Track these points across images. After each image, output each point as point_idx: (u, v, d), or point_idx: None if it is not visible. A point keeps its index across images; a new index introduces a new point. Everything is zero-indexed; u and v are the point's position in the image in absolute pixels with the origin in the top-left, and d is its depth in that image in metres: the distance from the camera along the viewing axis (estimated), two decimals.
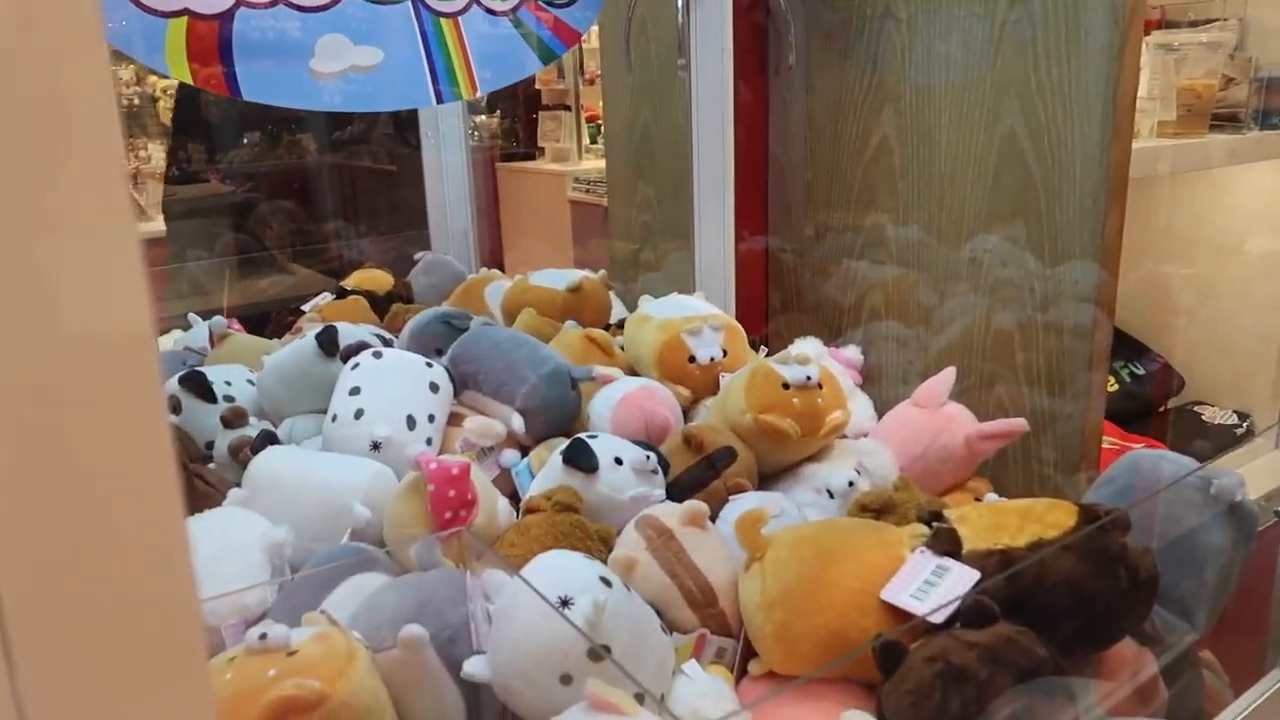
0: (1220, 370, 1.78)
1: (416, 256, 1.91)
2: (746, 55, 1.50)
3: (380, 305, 1.70)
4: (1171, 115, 1.38)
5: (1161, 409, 1.81)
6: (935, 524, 0.81)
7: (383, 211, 2.51)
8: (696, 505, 0.87)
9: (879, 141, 1.41)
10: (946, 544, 0.77)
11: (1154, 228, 1.79)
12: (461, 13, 1.14)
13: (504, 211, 4.35)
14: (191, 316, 1.53)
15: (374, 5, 1.07)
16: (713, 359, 1.18)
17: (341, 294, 1.69)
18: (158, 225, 2.59)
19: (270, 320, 1.73)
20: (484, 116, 5.00)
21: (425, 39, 1.12)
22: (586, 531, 0.89)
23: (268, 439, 0.99)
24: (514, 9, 1.19)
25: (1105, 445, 1.31)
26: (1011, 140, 1.25)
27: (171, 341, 1.54)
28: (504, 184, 4.50)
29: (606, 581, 0.72)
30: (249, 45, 1.00)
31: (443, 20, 1.13)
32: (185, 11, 0.97)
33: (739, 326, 1.23)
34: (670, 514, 0.87)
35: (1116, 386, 1.71)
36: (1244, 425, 1.73)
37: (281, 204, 2.36)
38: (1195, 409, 1.78)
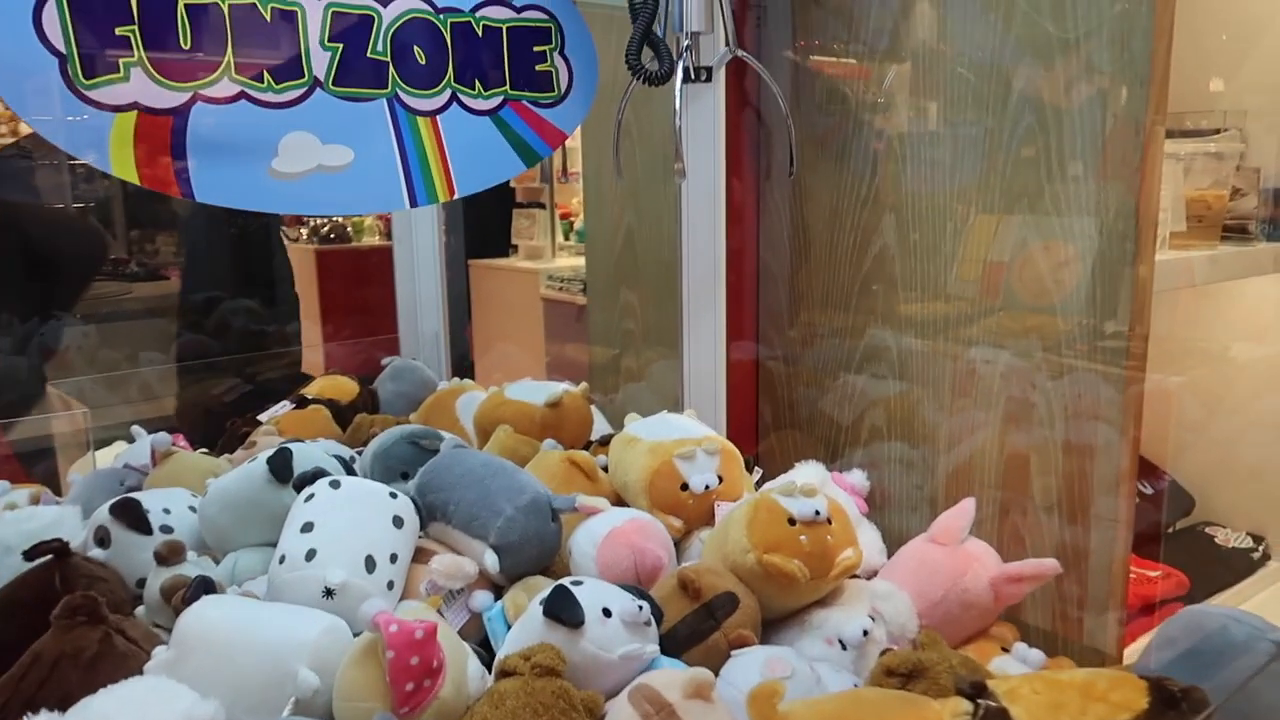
0: (1230, 490, 1.70)
1: (384, 361, 1.80)
2: (738, 158, 1.44)
3: (344, 415, 1.58)
4: (1182, 226, 1.32)
5: (1170, 529, 1.72)
6: (979, 700, 0.70)
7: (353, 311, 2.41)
8: (701, 676, 0.75)
9: (879, 250, 1.34)
10: None
11: (1156, 339, 1.73)
12: (440, 111, 1.07)
13: (476, 308, 4.28)
14: (135, 429, 1.41)
15: (345, 102, 0.99)
16: (708, 487, 1.08)
17: (302, 403, 1.58)
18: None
19: (224, 431, 1.61)
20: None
21: (400, 138, 1.03)
22: (571, 702, 0.77)
23: (204, 587, 0.86)
24: (496, 108, 1.12)
25: None
26: (1020, 256, 1.18)
27: (112, 457, 1.41)
28: (476, 281, 4.45)
29: None
30: (204, 144, 0.91)
31: (419, 119, 1.05)
32: (134, 106, 0.88)
33: (735, 450, 1.13)
34: (670, 684, 0.75)
35: None
36: (1260, 548, 1.64)
37: (244, 304, 2.25)
38: (1207, 530, 1.69)
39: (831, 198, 1.41)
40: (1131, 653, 1.22)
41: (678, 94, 1.12)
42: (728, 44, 1.16)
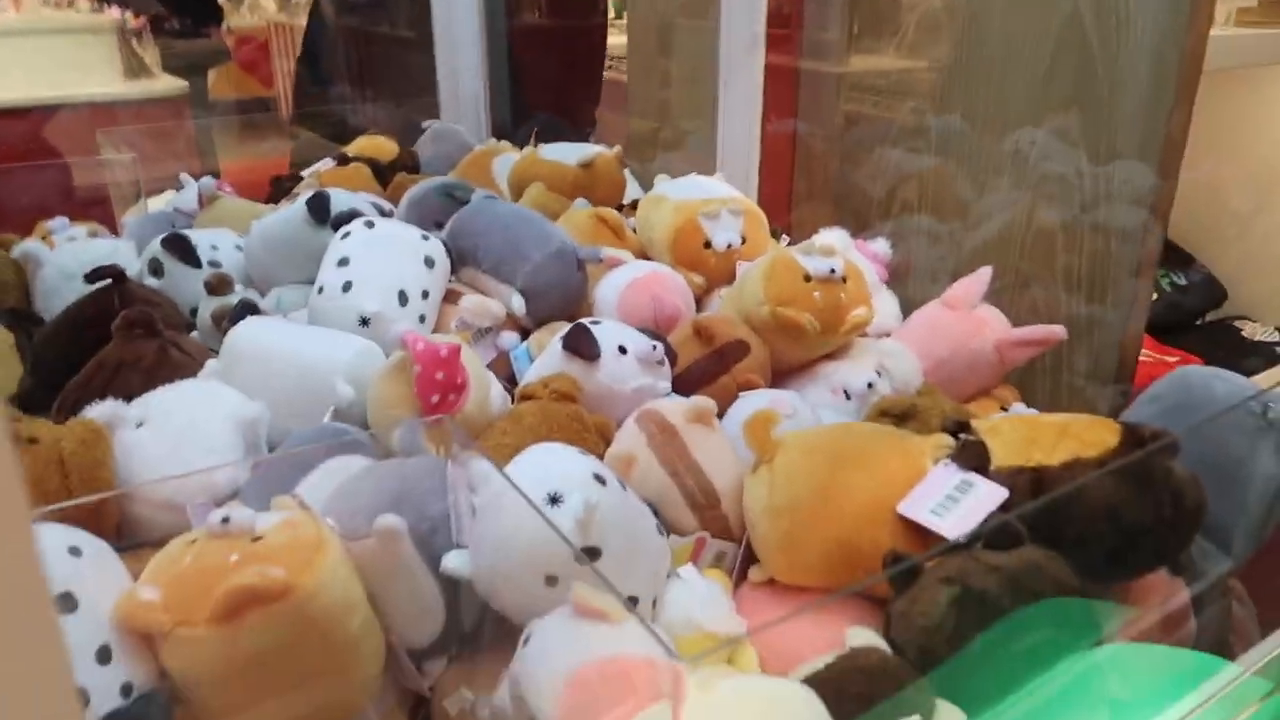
0: (1265, 285, 1.69)
1: (424, 125, 1.81)
2: None
3: (384, 174, 1.61)
4: (1253, 1, 1.24)
5: (1199, 322, 1.72)
6: (962, 435, 0.75)
7: (395, 78, 2.38)
8: (703, 401, 0.81)
9: (921, 16, 1.29)
10: (973, 457, 0.71)
11: (1214, 127, 1.66)
12: None
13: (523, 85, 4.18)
14: (183, 177, 1.45)
15: None
16: (730, 245, 1.10)
17: (344, 160, 1.61)
18: (161, 84, 2.48)
19: (271, 184, 1.65)
20: None
21: None
22: (584, 423, 0.83)
23: (247, 309, 0.92)
24: None
25: (1140, 358, 1.23)
26: (1074, 19, 1.13)
27: (163, 203, 1.47)
28: (522, 55, 4.31)
29: (600, 479, 0.66)
30: None
31: None
32: None
33: (760, 212, 1.14)
34: (675, 409, 0.81)
35: (1156, 296, 1.62)
36: None
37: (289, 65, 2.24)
38: (1235, 324, 1.69)
39: None
40: None
41: None
42: None
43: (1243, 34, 1.25)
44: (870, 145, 1.41)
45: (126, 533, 0.72)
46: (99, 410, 0.74)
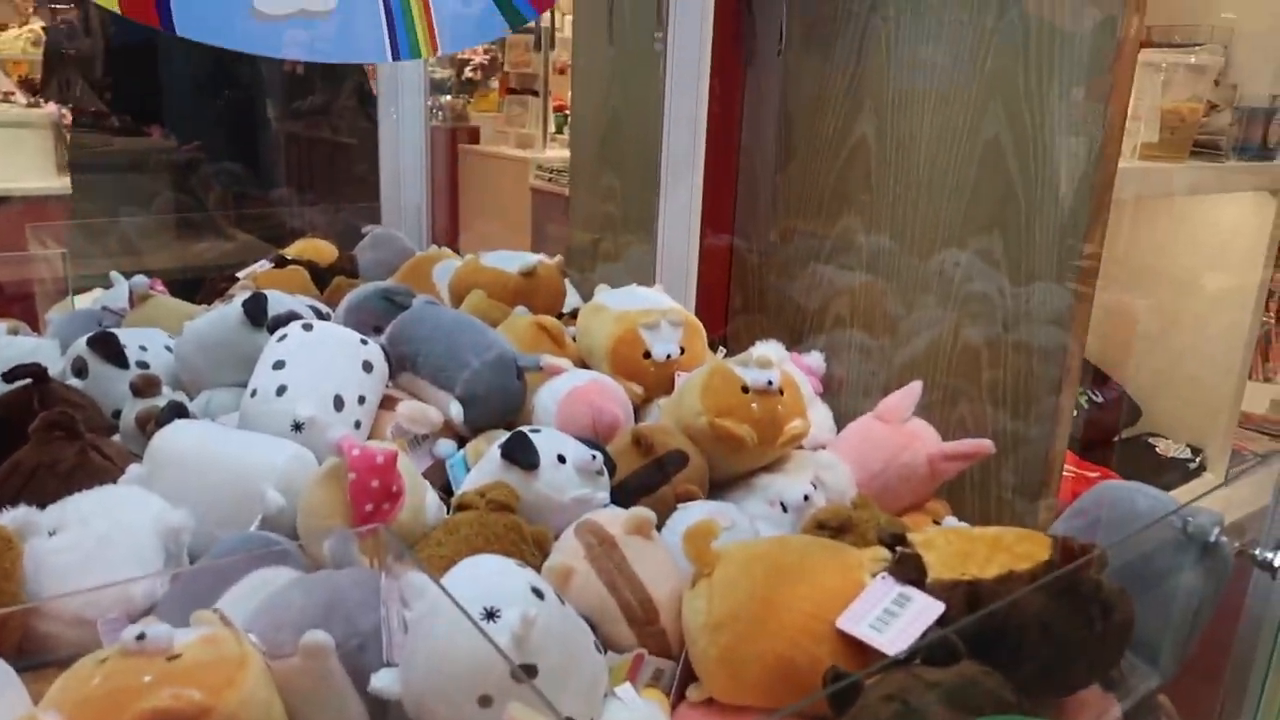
0: (1176, 403, 1.76)
1: (364, 230, 1.81)
2: (724, 41, 1.44)
3: (322, 278, 1.60)
4: (1154, 137, 1.34)
5: (1115, 438, 1.79)
6: (898, 548, 0.75)
7: (337, 182, 2.40)
8: (642, 513, 0.80)
9: (856, 141, 1.36)
10: (910, 571, 0.71)
11: (1118, 251, 1.76)
12: None
13: (463, 193, 4.25)
14: (114, 274, 1.43)
15: None
16: (669, 356, 1.12)
17: (281, 263, 1.60)
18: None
19: (202, 286, 1.63)
20: (449, 97, 4.89)
21: None
22: (521, 534, 0.82)
23: (176, 411, 0.90)
24: None
25: (1064, 473, 1.27)
26: (995, 149, 1.20)
27: (90, 300, 1.43)
28: (465, 165, 4.40)
29: (538, 592, 0.65)
30: None
31: None
32: None
33: (699, 324, 1.17)
34: (613, 520, 0.80)
35: (1075, 412, 1.68)
36: (1196, 460, 1.71)
37: (228, 166, 2.24)
38: (1149, 440, 1.76)
39: (816, 86, 1.41)
40: None
41: None
42: None
43: (1147, 166, 1.34)
44: (804, 260, 1.46)
45: (31, 650, 0.67)
46: (10, 517, 0.70)
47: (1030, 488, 1.18)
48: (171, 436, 0.84)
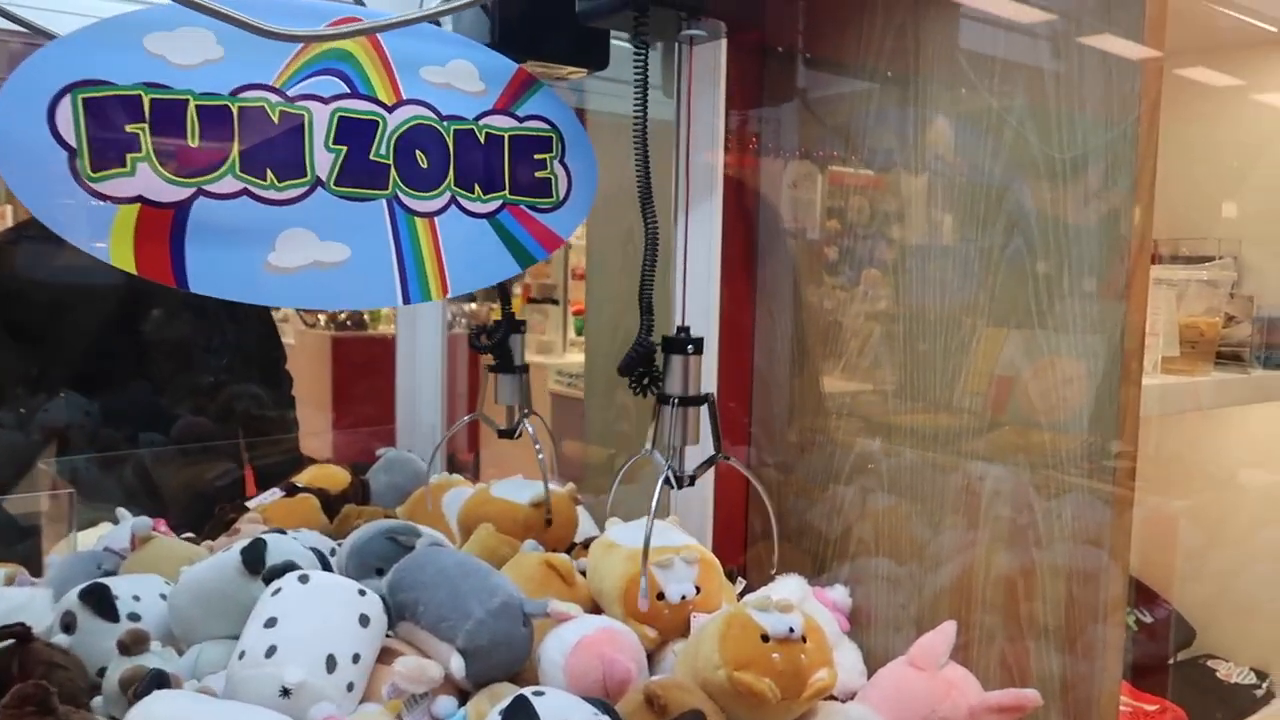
0: (1233, 622, 1.66)
1: (378, 453, 1.80)
2: (733, 259, 1.46)
3: (333, 505, 1.58)
4: (1175, 351, 1.32)
5: (1171, 661, 1.66)
6: None
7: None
8: None
9: (874, 361, 1.35)
10: None
11: (1160, 463, 1.71)
12: (439, 213, 1.09)
13: (485, 400, 4.29)
14: (120, 511, 1.40)
15: (345, 201, 1.02)
16: (684, 597, 1.06)
17: (291, 491, 1.58)
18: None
19: (213, 517, 1.60)
20: (473, 305, 5.05)
21: (397, 237, 1.06)
22: None
23: (156, 681, 0.84)
24: (494, 212, 1.14)
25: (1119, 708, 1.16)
26: (1011, 374, 1.18)
27: (95, 538, 1.40)
28: (485, 374, 4.46)
29: None
30: (203, 235, 0.93)
31: (418, 219, 1.07)
32: (139, 199, 0.90)
33: (715, 560, 1.11)
34: None
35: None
36: (1263, 685, 1.58)
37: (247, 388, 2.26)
38: (1208, 664, 1.64)
39: (829, 309, 1.42)
40: None
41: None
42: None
43: (1172, 381, 1.32)
44: (824, 482, 1.41)
45: None
46: None
47: None
48: (149, 712, 0.78)
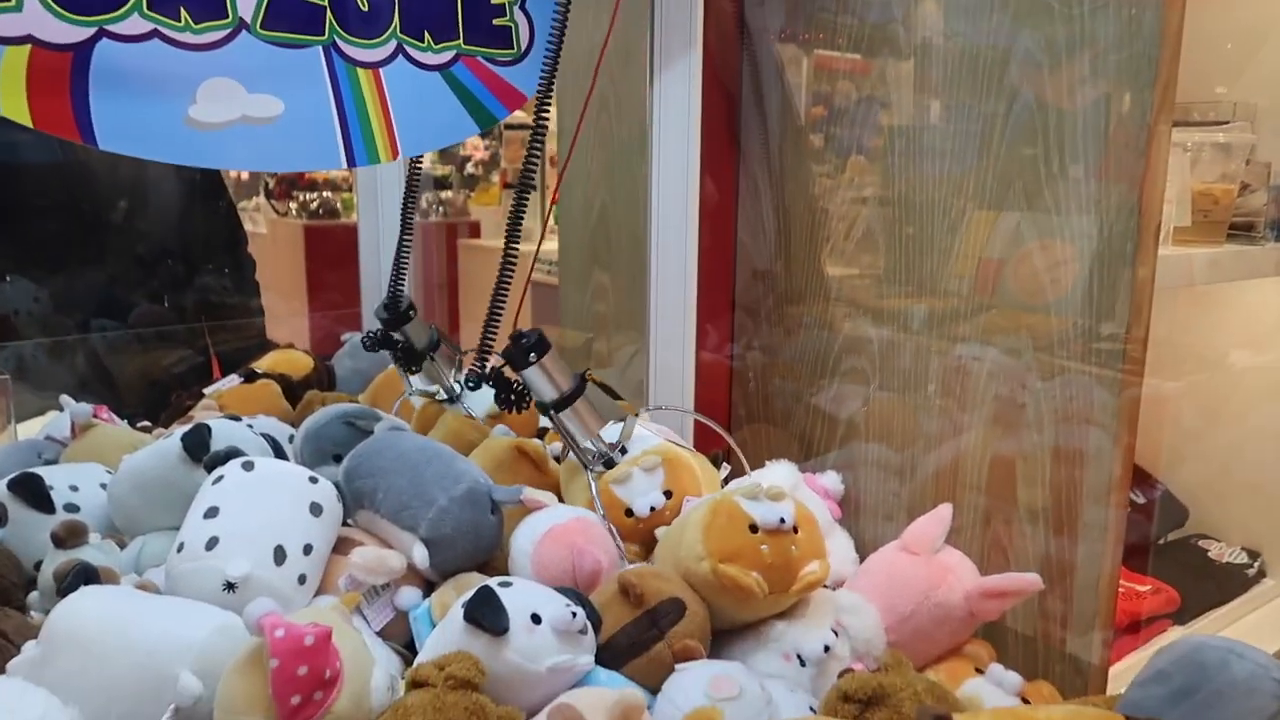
0: (1226, 502, 1.62)
1: (343, 338, 1.72)
2: (715, 133, 1.35)
3: (296, 391, 1.50)
4: (1187, 220, 1.24)
5: (1161, 541, 1.64)
6: None
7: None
8: (630, 699, 0.67)
9: (863, 241, 1.25)
10: None
11: (1153, 342, 1.65)
12: (384, 63, 0.97)
13: (463, 288, 4.18)
14: (64, 399, 1.32)
15: (274, 48, 0.89)
16: (653, 508, 0.98)
17: (251, 377, 1.49)
18: None
19: (169, 404, 1.52)
20: (449, 193, 4.89)
21: (337, 90, 0.94)
22: (486, 719, 0.68)
23: (83, 576, 0.77)
24: (448, 63, 1.02)
25: None
26: (1017, 243, 1.09)
27: (38, 427, 1.32)
28: (465, 260, 4.35)
29: None
30: (110, 84, 0.81)
31: (359, 70, 0.95)
32: (29, 39, 0.78)
33: (681, 455, 1.02)
34: (595, 706, 0.67)
35: None
36: (1255, 564, 1.56)
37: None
38: (1199, 543, 1.61)
39: (815, 183, 1.32)
40: (1118, 672, 1.14)
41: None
42: None
43: (1183, 253, 1.23)
44: (812, 362, 1.34)
45: None
46: None
47: (1083, 619, 1.04)
48: (72, 609, 0.71)
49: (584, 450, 1.00)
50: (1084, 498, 1.06)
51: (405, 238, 1.28)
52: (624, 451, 1.02)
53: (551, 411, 0.99)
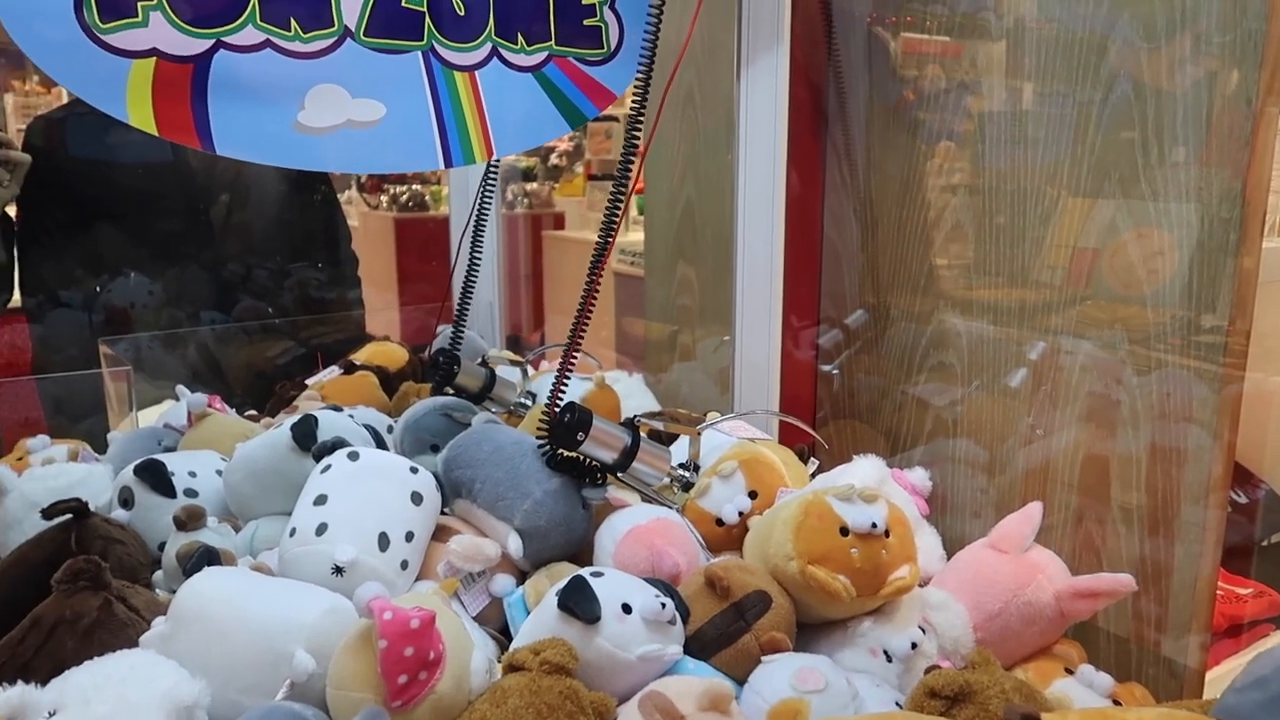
0: None
1: (437, 330, 1.77)
2: (802, 123, 1.35)
3: (392, 383, 1.56)
4: None
5: (1265, 543, 1.58)
6: None
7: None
8: (718, 688, 0.69)
9: (952, 230, 1.24)
10: None
11: (1257, 336, 1.58)
12: (479, 66, 1.00)
13: (548, 280, 4.25)
14: (180, 389, 1.40)
15: (376, 54, 0.94)
16: (741, 513, 0.99)
17: (350, 369, 1.56)
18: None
19: (274, 394, 1.59)
20: (535, 184, 4.95)
21: (435, 94, 0.98)
22: (579, 704, 0.71)
23: (206, 558, 0.83)
24: (540, 65, 1.05)
25: None
26: (1113, 232, 1.07)
27: (156, 416, 1.40)
28: (549, 251, 4.41)
29: None
30: (226, 92, 0.86)
31: (456, 74, 0.99)
32: (153, 52, 0.83)
33: (760, 452, 1.03)
34: (685, 694, 0.69)
35: None
36: None
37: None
38: None
39: (903, 173, 1.31)
40: (1214, 678, 1.11)
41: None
42: None
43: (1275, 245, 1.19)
44: (899, 357, 1.33)
45: None
46: (5, 699, 0.63)
47: (1179, 622, 1.01)
48: (197, 589, 0.77)
49: (660, 492, 1.01)
50: (1182, 497, 1.03)
51: (470, 278, 1.38)
52: (698, 470, 1.03)
53: (610, 476, 0.98)
